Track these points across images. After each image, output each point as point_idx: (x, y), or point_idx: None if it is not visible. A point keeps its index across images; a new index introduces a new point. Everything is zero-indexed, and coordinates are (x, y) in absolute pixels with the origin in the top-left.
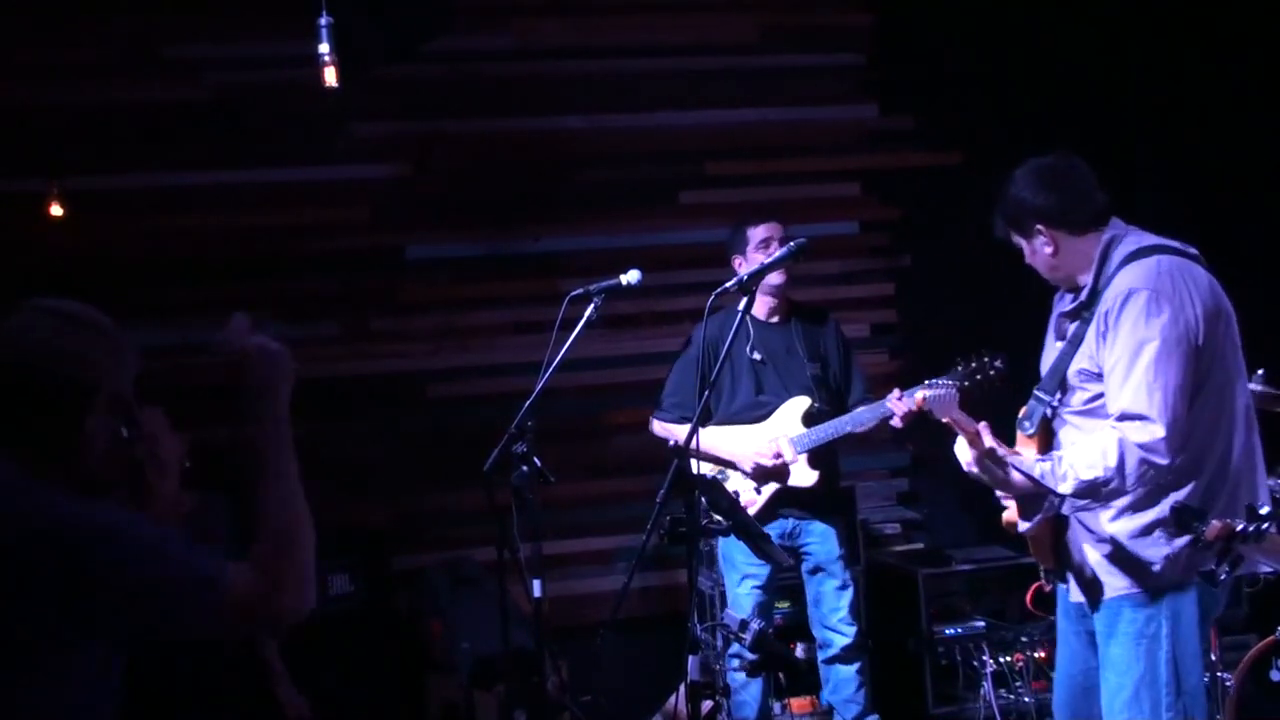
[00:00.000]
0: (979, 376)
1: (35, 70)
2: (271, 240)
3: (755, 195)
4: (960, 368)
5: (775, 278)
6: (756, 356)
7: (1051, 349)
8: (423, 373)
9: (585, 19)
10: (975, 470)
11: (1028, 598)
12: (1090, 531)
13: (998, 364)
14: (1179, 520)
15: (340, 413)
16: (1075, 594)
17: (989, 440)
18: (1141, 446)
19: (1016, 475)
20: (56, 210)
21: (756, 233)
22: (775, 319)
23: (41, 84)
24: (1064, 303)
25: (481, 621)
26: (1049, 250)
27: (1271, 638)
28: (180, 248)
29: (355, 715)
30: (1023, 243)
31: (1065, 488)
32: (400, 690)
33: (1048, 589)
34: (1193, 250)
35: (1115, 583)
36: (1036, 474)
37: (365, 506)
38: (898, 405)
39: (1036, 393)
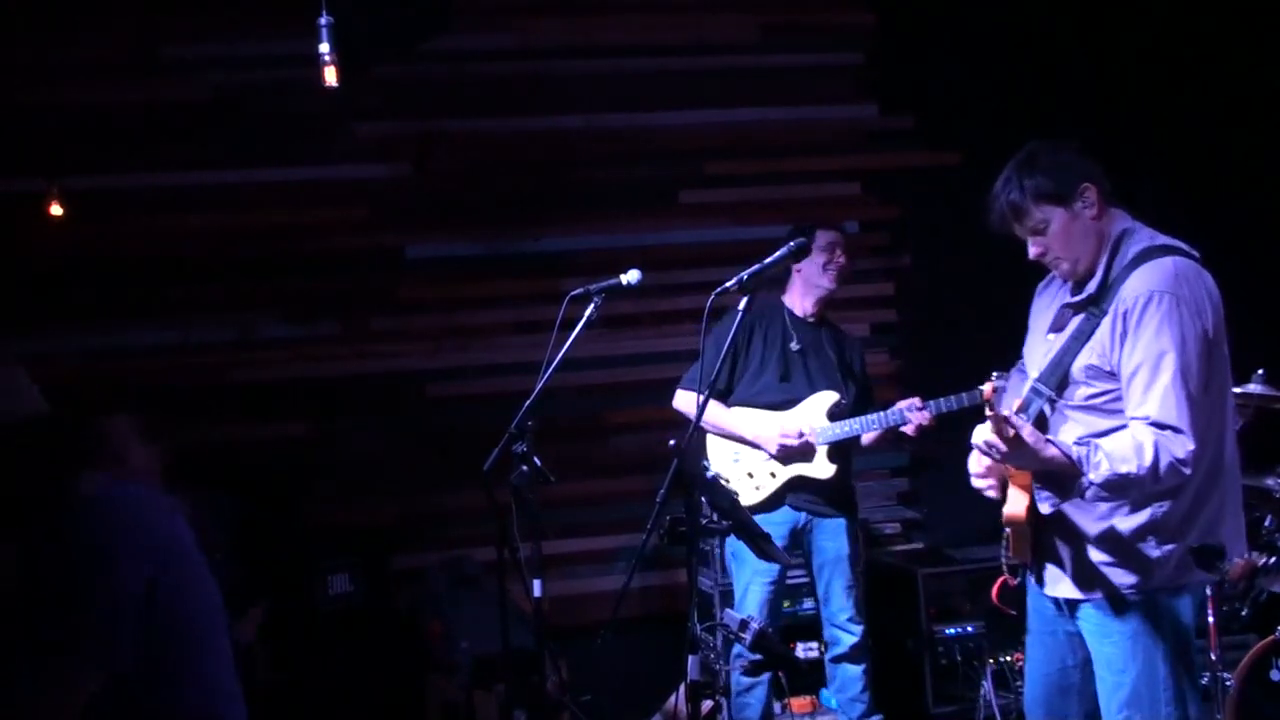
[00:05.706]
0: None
1: (35, 70)
2: (271, 240)
3: (755, 195)
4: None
5: (826, 280)
6: (795, 346)
7: (1043, 339)
8: (423, 372)
9: (585, 19)
10: (996, 443)
11: (994, 593)
12: (1082, 528)
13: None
14: (1200, 560)
15: (340, 413)
16: (1064, 589)
17: (1025, 428)
18: (1176, 459)
19: (1052, 450)
20: (56, 210)
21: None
22: (811, 319)
23: (41, 84)
24: (1062, 292)
25: (481, 621)
26: (1091, 213)
27: (1271, 637)
28: (180, 248)
29: (355, 715)
30: (1055, 213)
31: (1096, 476)
32: (400, 690)
33: (1014, 583)
34: (1196, 253)
35: (1111, 579)
36: (1074, 455)
37: (365, 506)
38: (918, 416)
39: (1035, 385)
